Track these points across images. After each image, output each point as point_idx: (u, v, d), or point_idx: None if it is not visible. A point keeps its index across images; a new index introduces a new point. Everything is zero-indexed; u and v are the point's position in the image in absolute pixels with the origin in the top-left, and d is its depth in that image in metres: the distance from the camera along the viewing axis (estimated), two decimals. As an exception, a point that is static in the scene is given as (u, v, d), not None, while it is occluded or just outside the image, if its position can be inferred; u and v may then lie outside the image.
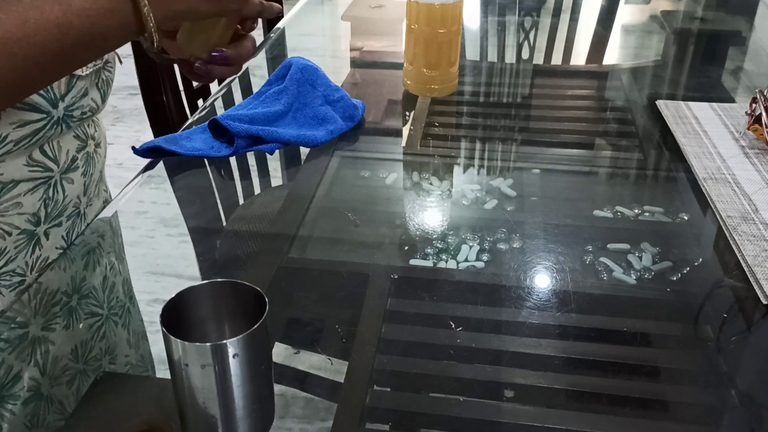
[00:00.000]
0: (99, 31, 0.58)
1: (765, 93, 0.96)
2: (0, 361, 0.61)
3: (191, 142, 0.94)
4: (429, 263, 0.77)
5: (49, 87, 0.67)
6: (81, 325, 0.67)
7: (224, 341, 0.49)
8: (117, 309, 0.72)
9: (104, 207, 0.84)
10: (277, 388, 0.59)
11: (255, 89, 1.12)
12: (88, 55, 0.61)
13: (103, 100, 0.77)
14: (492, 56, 1.41)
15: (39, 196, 0.70)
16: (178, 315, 0.52)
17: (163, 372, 0.58)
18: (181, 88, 1.48)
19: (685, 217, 0.85)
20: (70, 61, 0.60)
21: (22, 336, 0.64)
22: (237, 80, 1.20)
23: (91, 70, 0.72)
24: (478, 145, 1.06)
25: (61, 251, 0.75)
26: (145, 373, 0.67)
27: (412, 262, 0.77)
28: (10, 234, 0.68)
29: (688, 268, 0.76)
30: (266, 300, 0.52)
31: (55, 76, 0.64)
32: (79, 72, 0.69)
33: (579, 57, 1.44)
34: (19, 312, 0.66)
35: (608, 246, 0.79)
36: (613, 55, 1.46)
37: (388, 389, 0.62)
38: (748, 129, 0.99)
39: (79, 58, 0.60)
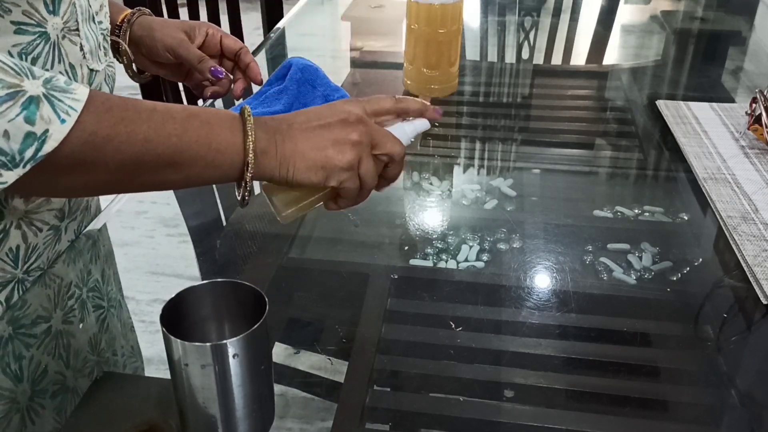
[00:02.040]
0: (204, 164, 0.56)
1: (765, 93, 0.96)
2: (30, 356, 0.62)
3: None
4: (429, 263, 0.77)
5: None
6: (76, 320, 0.68)
7: (224, 341, 0.49)
8: (114, 302, 0.73)
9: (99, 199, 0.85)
10: (277, 388, 0.59)
11: (255, 89, 1.12)
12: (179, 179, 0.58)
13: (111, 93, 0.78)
14: (492, 56, 1.41)
15: None
16: (178, 315, 0.52)
17: (162, 372, 0.58)
18: (181, 88, 1.48)
19: (685, 217, 0.85)
20: (162, 179, 0.58)
21: (47, 330, 0.65)
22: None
23: (104, 65, 0.73)
24: (478, 145, 1.06)
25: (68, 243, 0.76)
26: (135, 364, 0.68)
27: (412, 262, 0.77)
28: (41, 230, 0.70)
29: (688, 268, 0.76)
30: (266, 300, 0.52)
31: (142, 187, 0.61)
32: (96, 67, 0.70)
33: (579, 57, 1.44)
34: (44, 308, 0.67)
35: (608, 246, 0.79)
36: (613, 55, 1.46)
37: (388, 389, 0.62)
38: (748, 129, 0.99)
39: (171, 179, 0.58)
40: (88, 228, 0.80)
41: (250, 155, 0.56)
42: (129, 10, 0.85)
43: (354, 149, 0.58)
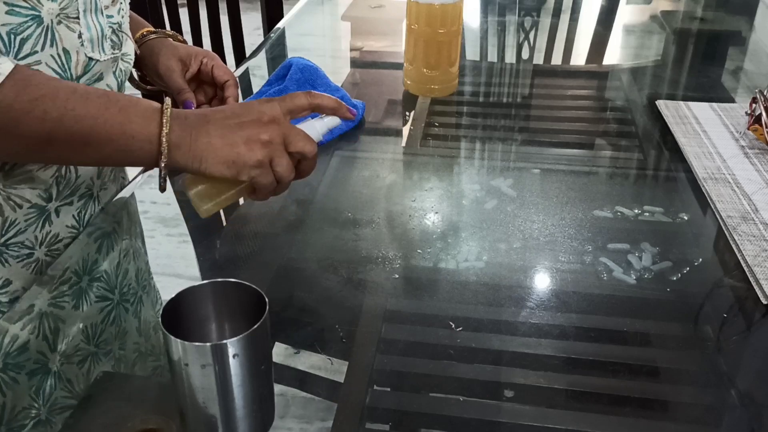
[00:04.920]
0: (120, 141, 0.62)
1: (765, 93, 0.96)
2: (3, 329, 0.63)
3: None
4: (429, 263, 0.77)
5: (66, 68, 0.69)
6: (79, 309, 0.68)
7: (224, 341, 0.49)
8: (129, 296, 0.73)
9: (118, 193, 0.85)
10: (277, 388, 0.59)
11: (255, 89, 1.12)
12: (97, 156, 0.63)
13: (119, 88, 0.79)
14: (492, 56, 1.41)
15: (51, 173, 0.72)
16: (178, 315, 0.52)
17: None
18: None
19: (685, 217, 0.85)
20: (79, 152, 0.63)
21: (28, 307, 0.66)
22: (237, 81, 1.20)
23: (109, 57, 0.73)
24: (478, 145, 1.06)
25: (72, 230, 0.76)
26: (154, 363, 0.67)
27: (412, 262, 0.77)
28: (21, 206, 0.71)
29: (688, 268, 0.76)
30: (266, 300, 0.52)
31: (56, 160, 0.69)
32: (97, 56, 0.72)
33: (579, 57, 1.44)
34: (25, 283, 0.69)
35: (608, 246, 0.79)
36: (613, 55, 1.46)
37: (388, 389, 0.62)
38: (748, 129, 0.99)
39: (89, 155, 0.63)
40: (116, 198, 0.80)
41: (164, 145, 0.61)
42: (147, 29, 0.89)
43: (264, 148, 0.63)
